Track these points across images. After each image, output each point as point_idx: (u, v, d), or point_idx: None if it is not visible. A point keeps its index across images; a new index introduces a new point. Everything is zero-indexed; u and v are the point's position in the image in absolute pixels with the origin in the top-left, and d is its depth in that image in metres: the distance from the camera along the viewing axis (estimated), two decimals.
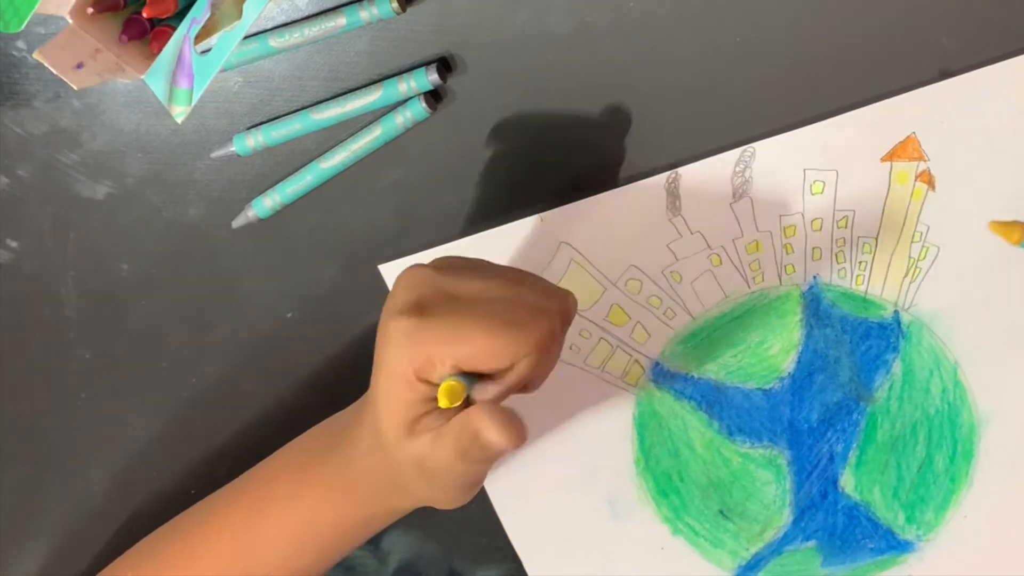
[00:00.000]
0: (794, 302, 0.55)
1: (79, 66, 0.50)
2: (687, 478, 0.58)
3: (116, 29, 0.51)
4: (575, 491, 0.58)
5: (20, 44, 0.56)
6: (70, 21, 0.49)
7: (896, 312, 0.55)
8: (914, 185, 0.53)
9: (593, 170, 0.55)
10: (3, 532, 0.62)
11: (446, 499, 0.48)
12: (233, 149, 0.56)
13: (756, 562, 0.58)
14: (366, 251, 0.57)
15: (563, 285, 0.56)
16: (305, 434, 0.53)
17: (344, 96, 0.55)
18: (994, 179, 0.53)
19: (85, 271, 0.59)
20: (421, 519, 0.60)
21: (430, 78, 0.53)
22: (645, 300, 0.56)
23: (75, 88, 0.49)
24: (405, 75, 0.54)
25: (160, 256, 0.59)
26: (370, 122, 0.55)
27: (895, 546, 0.57)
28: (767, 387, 0.56)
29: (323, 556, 0.52)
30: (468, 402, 0.44)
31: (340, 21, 0.53)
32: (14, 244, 0.59)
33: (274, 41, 0.54)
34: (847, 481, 0.57)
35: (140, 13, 0.51)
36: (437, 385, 0.43)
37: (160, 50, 0.50)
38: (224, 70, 0.55)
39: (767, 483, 0.57)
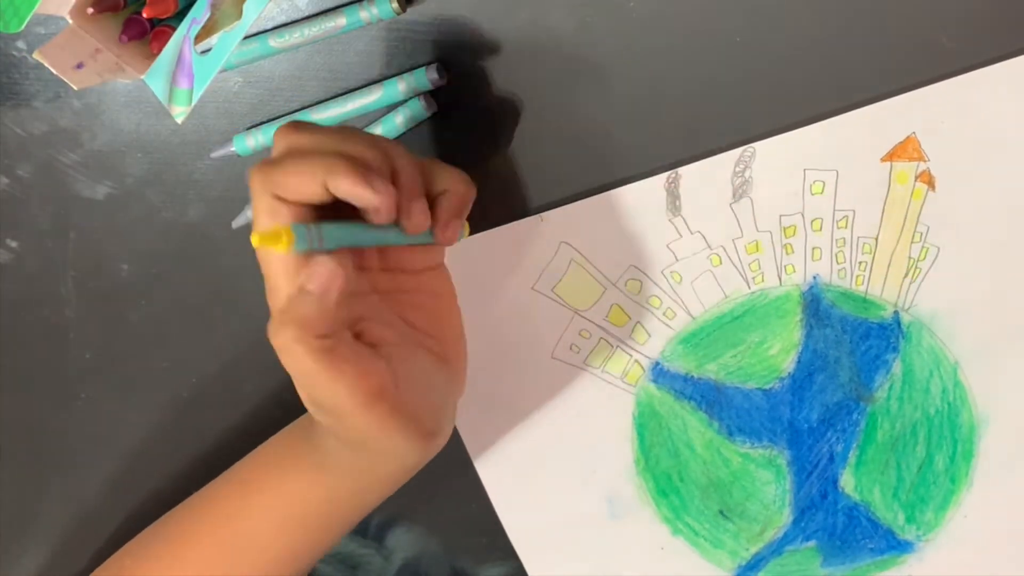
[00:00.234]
0: (794, 302, 0.55)
1: (79, 66, 0.50)
2: (687, 478, 0.58)
3: (116, 29, 0.51)
4: (575, 491, 0.58)
5: (20, 44, 0.56)
6: (70, 21, 0.49)
7: (896, 312, 0.55)
8: (914, 185, 0.53)
9: (593, 170, 0.55)
10: (3, 532, 0.62)
11: (385, 439, 0.45)
12: (233, 149, 0.56)
13: (756, 562, 0.58)
14: None
15: (563, 285, 0.56)
16: (295, 422, 0.53)
17: (344, 96, 0.55)
18: (994, 179, 0.53)
19: (85, 271, 0.59)
20: (423, 516, 0.60)
21: (430, 78, 0.53)
22: (645, 300, 0.56)
23: (75, 88, 0.49)
24: (405, 75, 0.54)
25: (160, 256, 0.59)
26: (370, 122, 0.55)
27: (895, 546, 0.57)
28: (767, 387, 0.56)
29: (319, 536, 0.52)
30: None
31: (340, 21, 0.53)
32: (14, 244, 0.59)
33: (274, 41, 0.54)
34: (847, 481, 0.57)
35: (140, 13, 0.51)
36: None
37: (160, 50, 0.50)
38: (224, 70, 0.55)
39: (767, 483, 0.57)
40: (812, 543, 0.58)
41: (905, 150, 0.53)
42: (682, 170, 0.54)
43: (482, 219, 0.56)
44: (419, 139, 0.55)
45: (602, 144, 0.54)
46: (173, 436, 0.61)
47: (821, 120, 0.53)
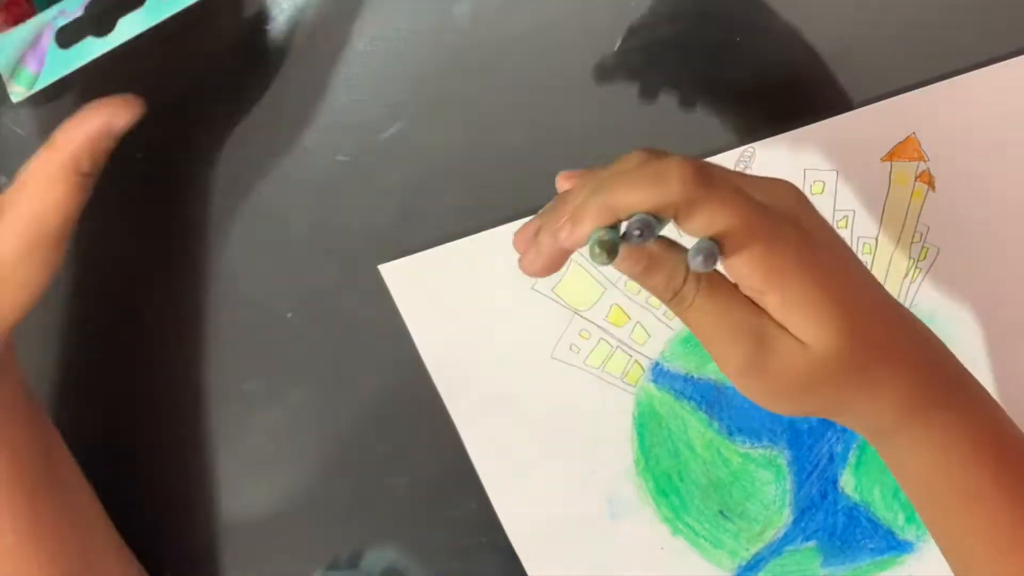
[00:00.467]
0: None
1: None
2: (687, 478, 0.58)
3: None
4: (575, 491, 0.58)
5: None
6: None
7: None
8: (914, 185, 0.53)
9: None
10: None
11: None
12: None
13: (756, 562, 0.58)
14: (366, 251, 0.57)
15: (563, 285, 0.56)
16: None
17: None
18: (994, 179, 0.53)
19: (86, 271, 0.59)
20: (423, 516, 0.60)
21: None
22: (645, 300, 0.56)
23: None
24: None
25: (161, 256, 0.59)
26: None
27: (895, 546, 0.57)
28: None
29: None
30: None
31: None
32: None
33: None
34: (847, 481, 0.57)
35: None
36: None
37: (9, 20, 0.49)
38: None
39: (767, 483, 0.57)
40: (812, 543, 0.58)
41: (905, 150, 0.53)
42: None
43: (482, 219, 0.56)
44: (419, 139, 0.55)
45: (602, 143, 0.54)
46: (173, 437, 0.61)
47: (821, 120, 0.53)
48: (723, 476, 0.57)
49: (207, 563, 0.60)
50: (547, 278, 0.55)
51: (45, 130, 0.57)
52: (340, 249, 0.57)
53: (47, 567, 0.51)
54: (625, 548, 0.59)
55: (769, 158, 0.53)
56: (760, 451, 0.57)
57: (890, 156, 0.53)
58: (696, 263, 0.39)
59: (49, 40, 0.48)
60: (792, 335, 0.41)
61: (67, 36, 0.49)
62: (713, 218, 0.39)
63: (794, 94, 0.53)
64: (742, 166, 0.54)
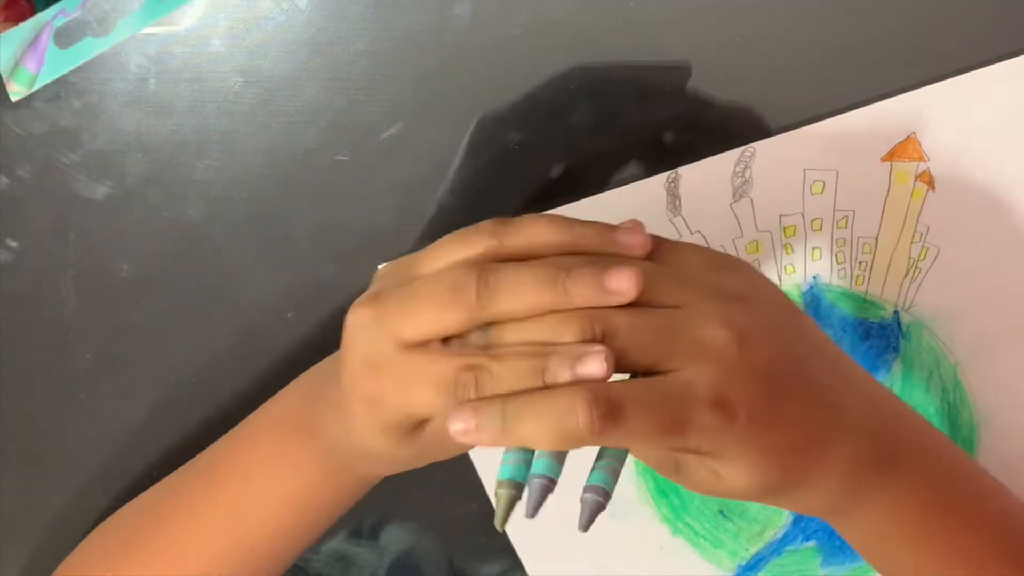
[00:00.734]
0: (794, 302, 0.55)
1: None
2: None
3: None
4: (575, 491, 0.58)
5: None
6: None
7: (896, 312, 0.55)
8: (914, 185, 0.53)
9: (593, 170, 0.55)
10: (1, 531, 0.62)
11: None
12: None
13: (756, 562, 0.58)
14: (366, 251, 0.57)
15: None
16: (284, 393, 0.52)
17: None
18: (994, 179, 0.53)
19: (85, 271, 0.59)
20: (423, 516, 0.60)
21: None
22: None
23: None
24: None
25: (160, 256, 0.59)
26: None
27: None
28: None
29: (316, 526, 0.51)
30: None
31: None
32: (14, 244, 0.59)
33: None
34: None
35: None
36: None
37: (10, 19, 0.49)
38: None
39: None
40: (812, 543, 0.58)
41: (905, 150, 0.53)
42: (682, 170, 0.54)
43: (483, 219, 0.56)
44: (419, 139, 0.55)
45: (601, 143, 0.54)
46: (173, 436, 0.60)
47: (821, 120, 0.53)
48: None
49: None
50: None
51: (44, 130, 0.57)
52: (340, 249, 0.57)
53: None
54: (625, 548, 0.58)
55: (769, 158, 0.53)
56: None
57: (890, 156, 0.53)
58: (583, 506, 0.40)
59: (48, 40, 0.48)
60: (708, 468, 0.40)
61: (66, 36, 0.49)
62: (632, 447, 0.39)
63: (794, 94, 0.53)
64: (742, 166, 0.54)
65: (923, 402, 0.55)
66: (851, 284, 0.55)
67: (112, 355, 0.60)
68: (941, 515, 0.45)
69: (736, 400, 0.38)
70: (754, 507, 0.57)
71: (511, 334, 0.39)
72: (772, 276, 0.55)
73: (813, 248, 0.55)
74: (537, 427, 0.37)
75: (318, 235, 0.57)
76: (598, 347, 0.37)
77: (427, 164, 0.56)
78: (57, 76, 0.48)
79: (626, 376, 0.39)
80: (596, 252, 0.40)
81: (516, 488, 0.39)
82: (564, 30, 0.53)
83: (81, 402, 0.61)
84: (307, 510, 0.50)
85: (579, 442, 0.37)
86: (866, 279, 0.55)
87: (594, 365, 0.37)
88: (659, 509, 0.58)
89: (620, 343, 0.38)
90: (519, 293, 0.38)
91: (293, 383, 0.52)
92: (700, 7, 0.52)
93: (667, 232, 0.55)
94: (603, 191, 0.54)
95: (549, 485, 0.39)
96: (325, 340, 0.58)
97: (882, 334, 0.55)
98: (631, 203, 0.54)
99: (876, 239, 0.54)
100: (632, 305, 0.38)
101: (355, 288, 0.57)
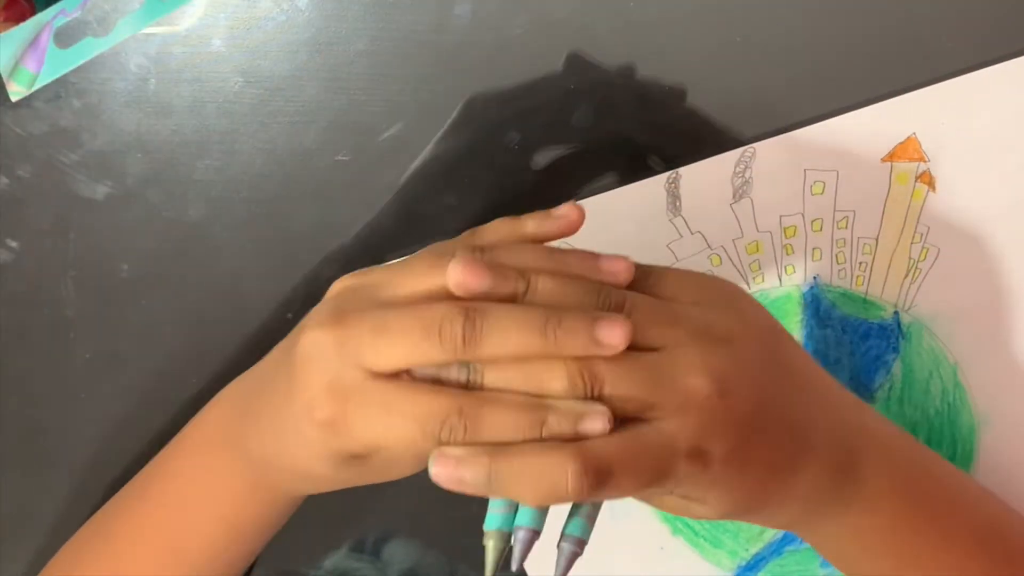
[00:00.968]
0: (794, 303, 0.55)
1: None
2: None
3: None
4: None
5: None
6: None
7: (896, 313, 0.55)
8: (914, 186, 0.53)
9: (593, 170, 0.55)
10: (1, 531, 0.62)
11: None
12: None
13: (756, 562, 0.58)
14: (366, 251, 0.57)
15: None
16: (216, 401, 0.51)
17: None
18: (994, 179, 0.53)
19: (85, 271, 0.59)
20: (423, 517, 0.60)
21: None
22: None
23: None
24: None
25: (160, 256, 0.59)
26: None
27: None
28: None
29: (252, 542, 0.50)
30: None
31: None
32: (14, 244, 0.59)
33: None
34: None
35: None
36: None
37: (10, 19, 0.49)
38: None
39: None
40: None
41: (905, 150, 0.53)
42: (682, 170, 0.54)
43: (482, 219, 0.56)
44: (419, 139, 0.55)
45: (601, 144, 0.54)
46: (173, 436, 0.61)
47: (821, 120, 0.53)
48: None
49: None
50: None
51: (44, 130, 0.57)
52: (340, 249, 0.57)
53: None
54: (625, 548, 0.58)
55: (769, 158, 0.53)
56: None
57: (890, 156, 0.53)
58: (559, 555, 0.42)
59: (48, 40, 0.48)
60: (677, 498, 0.41)
61: (66, 36, 0.49)
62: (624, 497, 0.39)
63: (794, 94, 0.53)
64: (743, 166, 0.54)
65: (923, 402, 0.55)
66: (851, 284, 0.55)
67: (112, 355, 0.60)
68: (905, 529, 0.45)
69: (712, 450, 0.38)
70: None
71: (495, 375, 0.38)
72: (772, 277, 0.55)
73: (813, 249, 0.55)
74: (523, 488, 0.37)
75: (318, 235, 0.57)
76: (600, 407, 0.37)
77: (427, 164, 0.56)
78: (57, 76, 0.48)
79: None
80: (579, 277, 0.40)
81: (504, 539, 0.40)
82: (564, 30, 0.53)
83: (81, 402, 0.61)
84: (239, 524, 0.49)
85: (564, 502, 0.38)
86: (866, 280, 0.55)
87: (596, 424, 0.37)
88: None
89: (605, 392, 0.38)
90: (507, 338, 0.38)
91: (225, 390, 0.51)
92: (700, 7, 0.52)
93: (667, 232, 0.55)
94: (603, 192, 0.54)
95: (534, 537, 0.40)
96: None
97: (882, 335, 0.55)
98: (631, 203, 0.54)
99: (876, 240, 0.54)
100: None
101: None
